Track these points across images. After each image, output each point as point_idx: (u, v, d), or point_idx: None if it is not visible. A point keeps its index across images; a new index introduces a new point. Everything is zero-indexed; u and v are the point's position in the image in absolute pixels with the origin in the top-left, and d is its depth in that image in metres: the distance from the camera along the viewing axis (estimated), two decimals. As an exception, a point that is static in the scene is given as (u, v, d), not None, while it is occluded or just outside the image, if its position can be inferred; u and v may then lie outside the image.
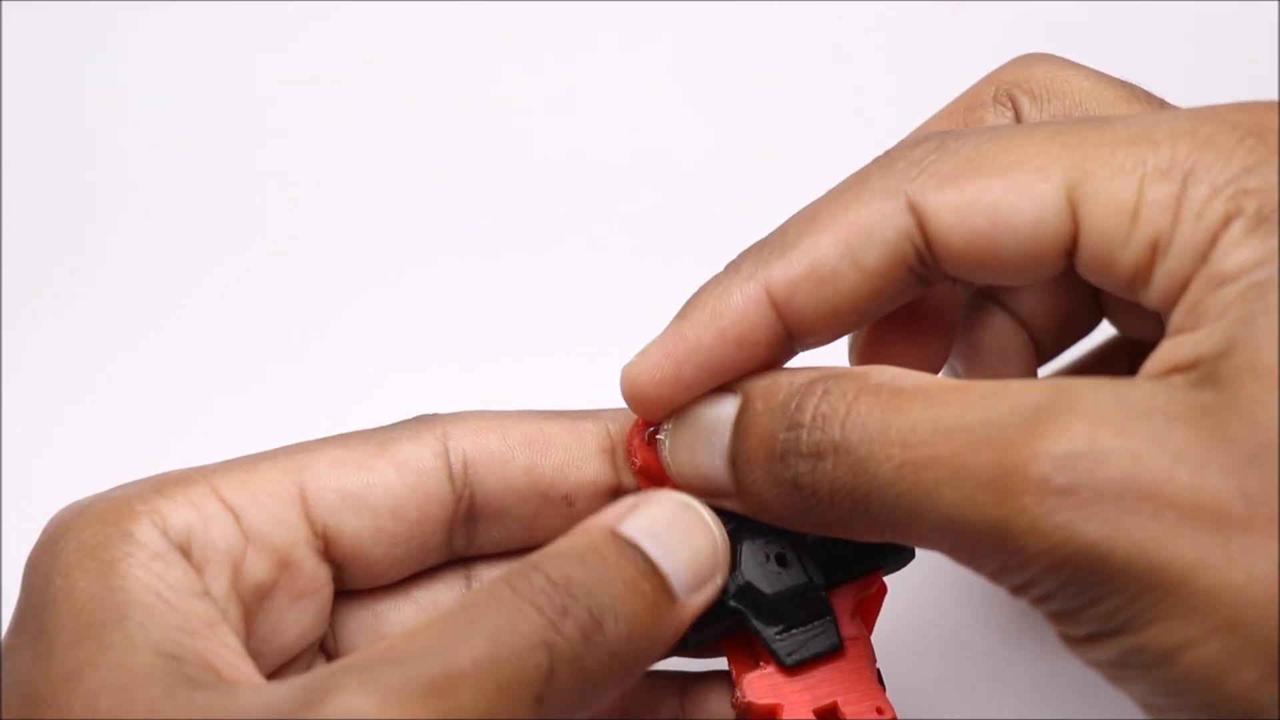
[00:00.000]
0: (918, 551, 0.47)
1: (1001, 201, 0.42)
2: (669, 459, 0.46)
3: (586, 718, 0.41)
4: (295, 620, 0.45)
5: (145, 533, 0.42)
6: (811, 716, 0.45)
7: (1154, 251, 0.40)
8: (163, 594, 0.41)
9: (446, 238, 0.70)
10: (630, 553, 0.42)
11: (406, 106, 0.72)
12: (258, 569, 0.44)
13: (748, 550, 0.46)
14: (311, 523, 0.45)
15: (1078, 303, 0.52)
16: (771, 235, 0.44)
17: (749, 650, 0.46)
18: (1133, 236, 0.41)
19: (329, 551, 0.46)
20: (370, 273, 0.69)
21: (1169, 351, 0.40)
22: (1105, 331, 0.54)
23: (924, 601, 0.61)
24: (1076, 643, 0.40)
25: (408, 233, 0.70)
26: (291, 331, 0.68)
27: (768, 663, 0.45)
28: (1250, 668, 0.37)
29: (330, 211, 0.70)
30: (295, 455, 0.45)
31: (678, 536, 0.43)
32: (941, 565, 0.46)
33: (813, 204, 0.44)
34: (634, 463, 0.47)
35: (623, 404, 0.46)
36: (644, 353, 0.45)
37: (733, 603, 0.45)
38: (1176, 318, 0.40)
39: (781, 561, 0.46)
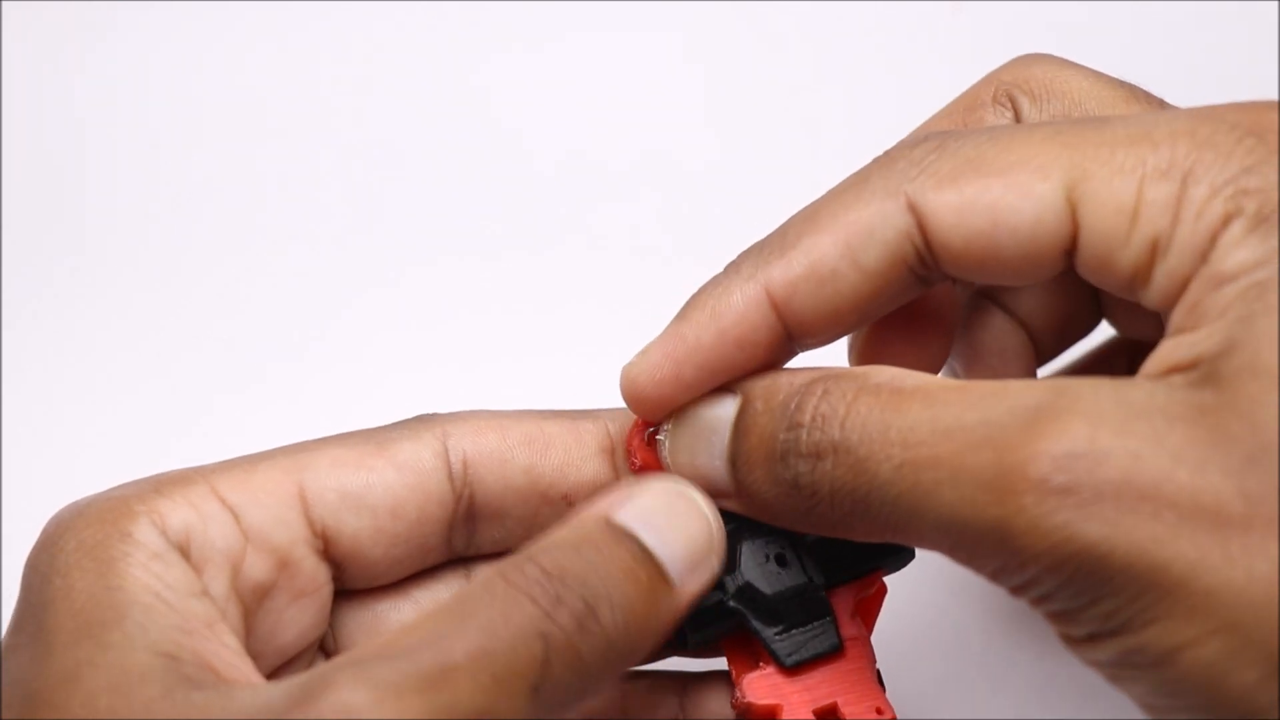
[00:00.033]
0: (918, 551, 0.47)
1: (1001, 202, 0.42)
2: (669, 459, 0.46)
3: (585, 706, 0.41)
4: (295, 620, 0.45)
5: (144, 532, 0.42)
6: (811, 717, 0.45)
7: (1154, 251, 0.40)
8: (161, 594, 0.41)
9: (446, 237, 0.70)
10: (624, 540, 0.42)
11: (406, 106, 0.72)
12: (257, 568, 0.44)
13: (747, 550, 0.46)
14: (311, 522, 0.45)
15: (1077, 303, 0.52)
16: (771, 236, 0.44)
17: (749, 650, 0.46)
18: (1132, 236, 0.41)
19: (328, 551, 0.45)
20: (370, 273, 0.69)
21: (1168, 351, 0.40)
22: (1105, 332, 0.54)
23: (924, 602, 0.61)
24: (1076, 643, 0.40)
25: (408, 233, 0.70)
26: (291, 331, 0.68)
27: (767, 663, 0.45)
28: (1250, 668, 0.37)
29: (330, 211, 0.70)
30: (295, 455, 0.45)
31: (672, 522, 0.43)
32: (941, 565, 0.46)
33: (812, 204, 0.44)
34: (634, 463, 0.47)
35: (623, 404, 0.46)
36: (644, 353, 0.45)
37: (732, 603, 0.45)
38: (1176, 318, 0.40)
39: (781, 562, 0.46)
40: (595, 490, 0.47)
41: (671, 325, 0.45)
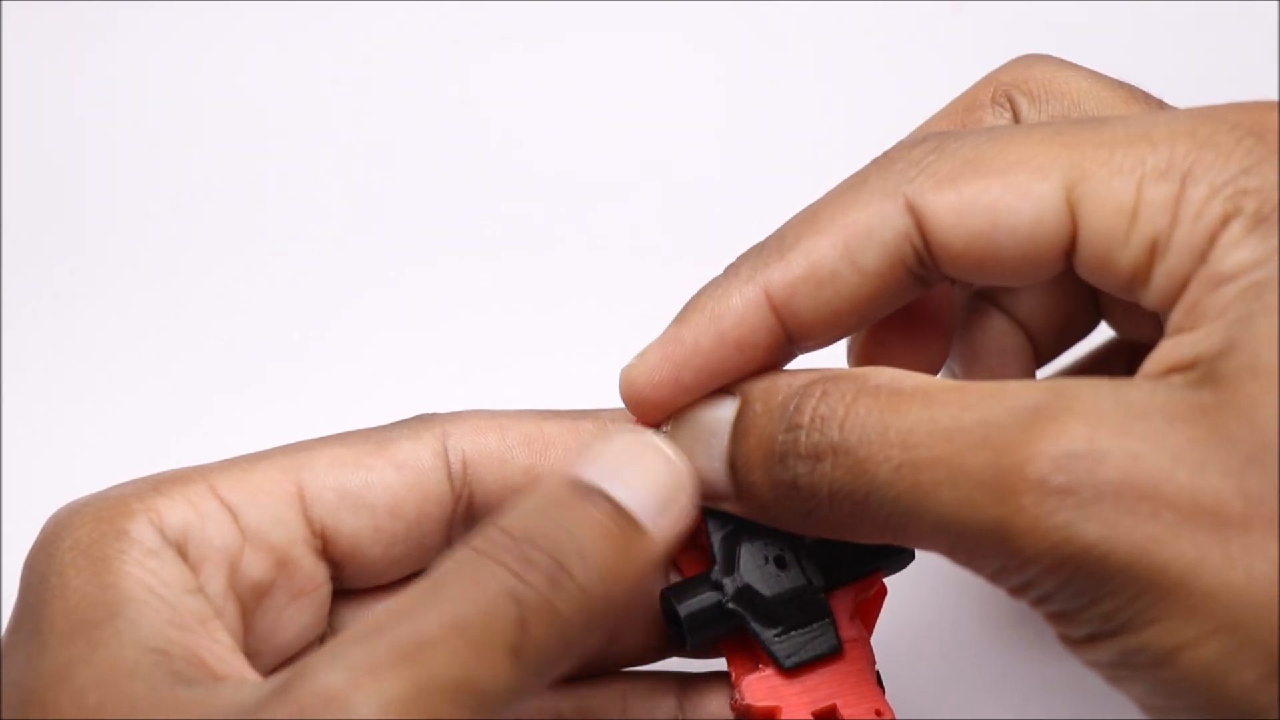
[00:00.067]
0: (917, 553, 0.47)
1: (1000, 202, 0.42)
2: (668, 462, 0.45)
3: (574, 661, 0.41)
4: (294, 619, 0.45)
5: (140, 530, 0.42)
6: (810, 719, 0.45)
7: (1153, 252, 0.40)
8: (155, 590, 0.41)
9: (446, 237, 0.70)
10: (590, 495, 0.41)
11: (406, 106, 0.72)
12: (255, 567, 0.44)
13: (746, 552, 0.46)
14: (309, 521, 0.45)
15: (1076, 304, 0.52)
16: (770, 238, 0.44)
17: (748, 652, 0.46)
18: (1131, 237, 0.41)
19: (327, 550, 0.45)
20: (370, 273, 0.69)
21: (1168, 352, 0.40)
22: (1103, 333, 0.54)
23: (923, 603, 0.61)
24: (1076, 644, 0.40)
25: (407, 233, 0.70)
26: (291, 331, 0.68)
27: (767, 665, 0.45)
28: (1250, 668, 0.37)
29: (330, 212, 0.70)
30: (294, 454, 0.45)
31: (634, 468, 0.42)
32: (940, 567, 0.46)
33: (811, 206, 0.44)
34: (633, 464, 0.47)
35: (622, 405, 0.46)
36: (642, 355, 0.45)
37: (731, 605, 0.45)
38: (1175, 318, 0.40)
39: (780, 564, 0.46)
40: None
41: (670, 327, 0.45)
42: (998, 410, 0.39)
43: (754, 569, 0.46)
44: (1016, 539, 0.39)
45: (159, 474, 0.44)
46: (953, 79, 0.51)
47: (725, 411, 0.44)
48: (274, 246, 0.70)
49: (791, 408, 0.42)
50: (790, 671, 0.45)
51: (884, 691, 0.46)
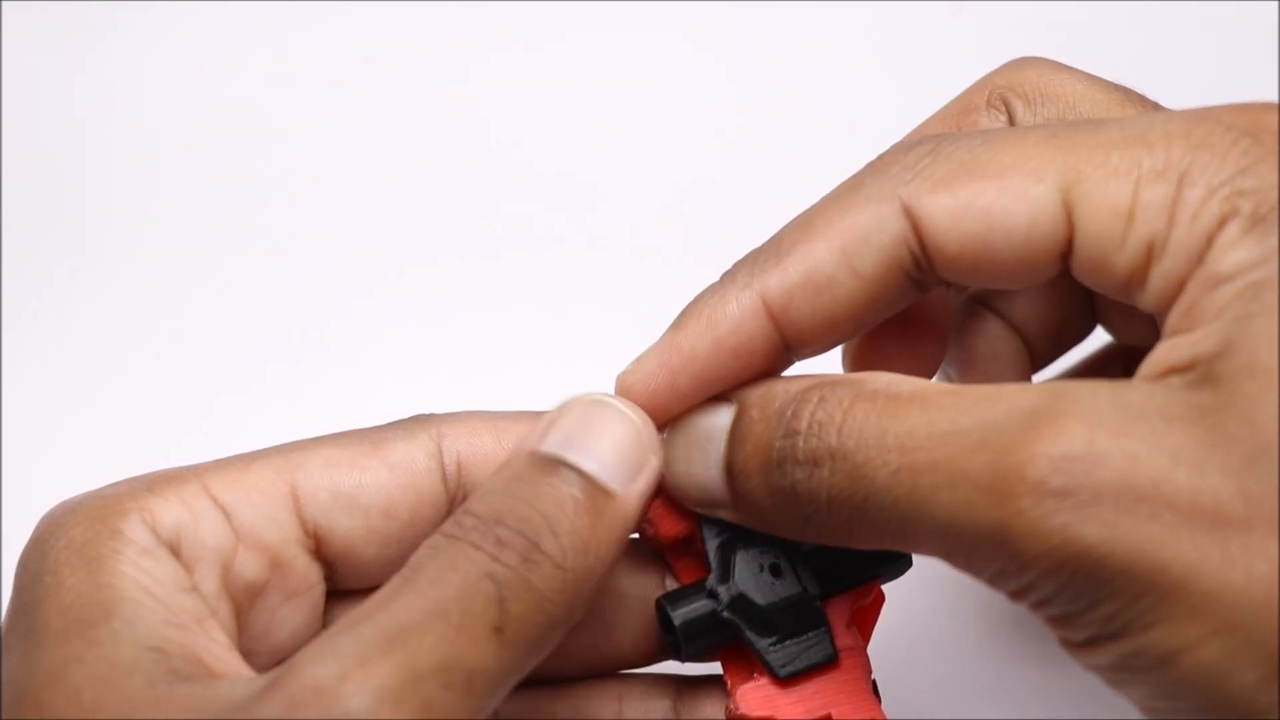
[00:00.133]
0: (914, 559, 0.47)
1: (996, 205, 0.41)
2: (664, 468, 0.45)
3: (562, 636, 0.41)
4: (288, 619, 0.45)
5: (134, 530, 0.42)
6: (805, 728, 0.45)
7: (1149, 253, 0.40)
8: (150, 589, 0.41)
9: (446, 238, 0.70)
10: (553, 467, 0.42)
11: (406, 106, 0.72)
12: (249, 567, 0.44)
13: (741, 560, 0.45)
14: (303, 522, 0.45)
15: (1071, 308, 0.52)
16: (766, 244, 0.44)
17: (744, 661, 0.46)
18: (1128, 238, 0.40)
19: (320, 551, 0.45)
20: (370, 273, 0.69)
21: (1165, 353, 0.40)
22: (1099, 339, 0.54)
23: (920, 609, 0.61)
24: (1076, 647, 0.40)
25: (407, 233, 0.70)
26: (291, 331, 0.68)
27: (761, 674, 0.45)
28: (1251, 669, 0.37)
29: (330, 212, 0.70)
30: (289, 454, 0.45)
31: (594, 434, 0.43)
32: (937, 572, 0.45)
33: (807, 211, 0.44)
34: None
35: (619, 406, 0.46)
36: (638, 361, 0.45)
37: (726, 614, 0.45)
38: (1172, 319, 0.40)
39: (775, 572, 0.46)
40: None
41: (667, 334, 0.45)
42: (995, 413, 0.39)
43: (749, 577, 0.45)
44: (1015, 541, 0.38)
45: (152, 473, 0.44)
46: (953, 79, 0.51)
47: (721, 418, 0.44)
48: (273, 246, 0.70)
49: (789, 413, 0.42)
50: (785, 681, 0.45)
51: (880, 701, 0.46)
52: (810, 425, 0.42)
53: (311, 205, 0.70)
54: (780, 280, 0.43)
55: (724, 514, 0.45)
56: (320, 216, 0.70)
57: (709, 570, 0.46)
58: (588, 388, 0.52)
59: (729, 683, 0.46)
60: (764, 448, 0.43)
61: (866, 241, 0.43)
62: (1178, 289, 0.40)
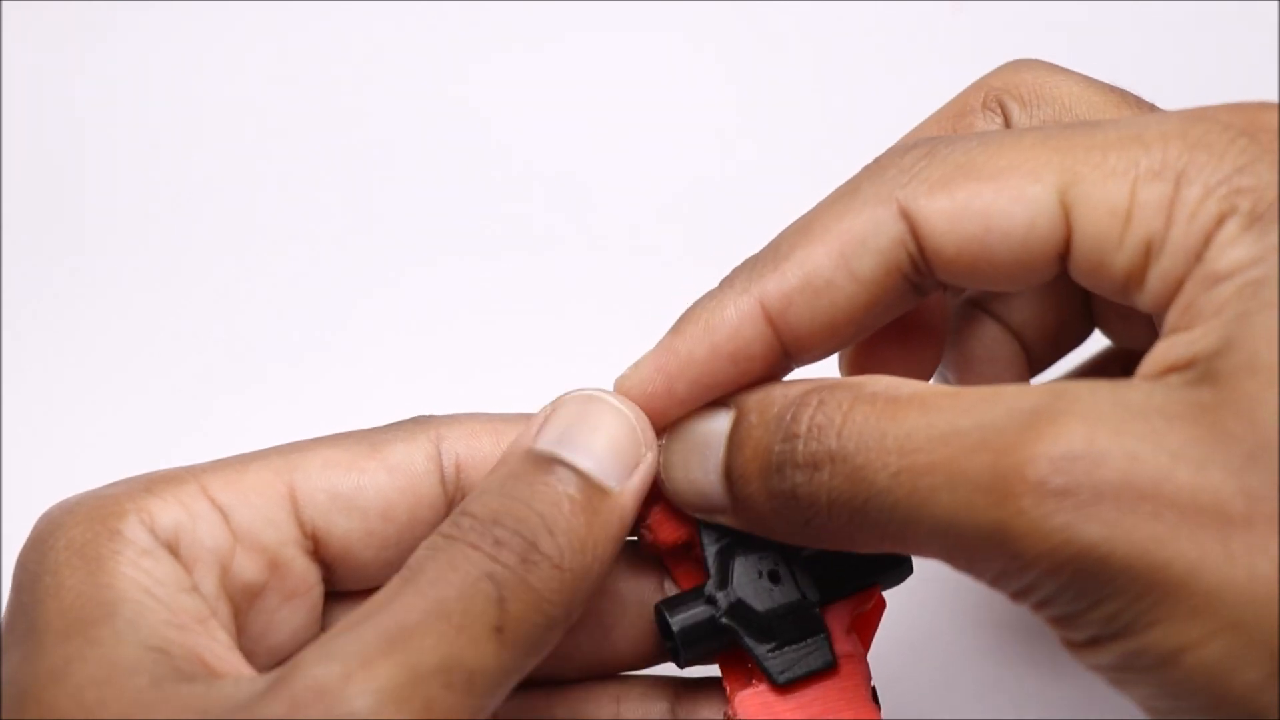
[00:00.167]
0: (915, 562, 0.46)
1: (993, 206, 0.41)
2: (663, 474, 0.45)
3: (561, 635, 0.41)
4: (286, 620, 0.45)
5: (133, 530, 0.42)
6: (803, 736, 0.45)
7: (1148, 253, 0.40)
8: (151, 590, 0.41)
9: (446, 238, 0.70)
10: (548, 465, 0.42)
11: (406, 107, 0.72)
12: (247, 568, 0.44)
13: (740, 566, 0.45)
14: (301, 523, 0.45)
15: (1069, 311, 0.52)
16: (764, 249, 0.44)
17: (743, 667, 0.46)
18: (1126, 238, 0.40)
19: (319, 552, 0.45)
20: (370, 274, 0.69)
21: (1165, 351, 0.40)
22: (1096, 343, 0.54)
23: (919, 613, 0.61)
24: (1078, 648, 0.40)
25: (407, 234, 0.70)
26: (291, 331, 0.68)
27: (760, 680, 0.45)
28: (1254, 667, 0.37)
29: (330, 213, 0.70)
30: (287, 455, 0.45)
31: (589, 431, 0.43)
32: (937, 576, 0.45)
33: (804, 216, 0.44)
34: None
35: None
36: (636, 366, 0.45)
37: (725, 620, 0.45)
38: (1171, 318, 0.40)
39: (774, 578, 0.45)
40: None
41: (665, 339, 0.45)
42: (995, 413, 0.39)
43: (748, 583, 0.45)
44: (1016, 541, 0.38)
45: (151, 474, 0.44)
46: (952, 79, 0.51)
47: (720, 424, 0.44)
48: (273, 246, 0.70)
49: (788, 417, 0.42)
50: (784, 687, 0.45)
51: (879, 708, 0.46)
52: (810, 429, 0.42)
53: (311, 205, 0.70)
54: (778, 285, 0.43)
55: (723, 519, 0.45)
56: (320, 217, 0.70)
57: (708, 576, 0.46)
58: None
59: (728, 688, 0.46)
60: (763, 452, 0.43)
61: (864, 245, 0.43)
62: (1176, 288, 0.40)
